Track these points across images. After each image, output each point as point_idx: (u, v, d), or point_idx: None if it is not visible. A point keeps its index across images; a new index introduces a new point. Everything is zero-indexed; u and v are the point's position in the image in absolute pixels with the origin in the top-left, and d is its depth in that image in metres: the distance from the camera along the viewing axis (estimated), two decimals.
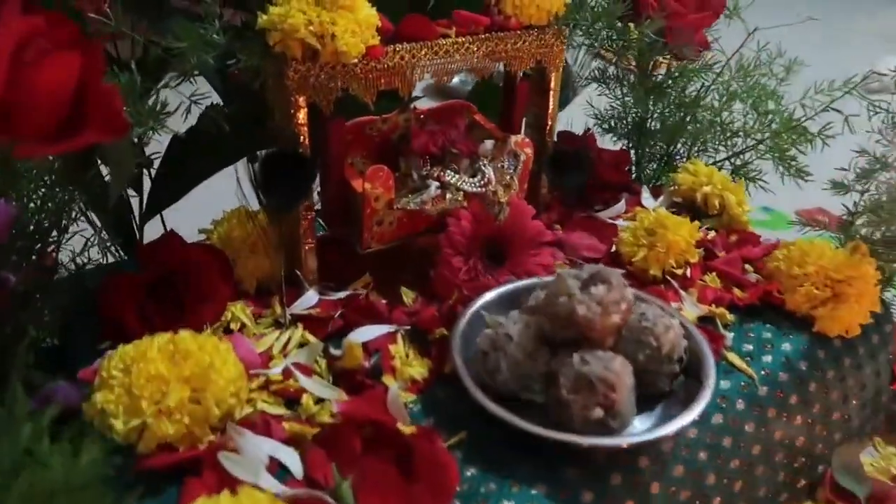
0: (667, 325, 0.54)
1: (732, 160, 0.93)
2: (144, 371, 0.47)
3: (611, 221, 0.77)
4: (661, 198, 0.83)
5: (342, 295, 0.66)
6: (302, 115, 0.59)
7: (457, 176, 0.68)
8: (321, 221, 0.72)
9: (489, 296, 0.63)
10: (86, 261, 0.71)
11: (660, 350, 0.54)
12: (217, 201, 0.69)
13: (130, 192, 0.78)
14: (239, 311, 0.61)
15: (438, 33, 0.63)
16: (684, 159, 0.92)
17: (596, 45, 0.76)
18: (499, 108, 0.85)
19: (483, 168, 0.69)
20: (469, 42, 0.65)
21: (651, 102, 0.83)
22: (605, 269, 0.53)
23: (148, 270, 0.61)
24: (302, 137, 0.59)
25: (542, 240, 0.70)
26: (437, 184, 0.68)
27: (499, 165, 0.70)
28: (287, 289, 0.64)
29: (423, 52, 0.63)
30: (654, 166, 0.96)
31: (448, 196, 0.67)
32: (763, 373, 0.60)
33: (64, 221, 0.56)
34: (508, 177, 0.69)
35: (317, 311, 0.62)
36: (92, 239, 0.72)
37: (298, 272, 0.65)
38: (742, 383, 0.59)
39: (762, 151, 0.90)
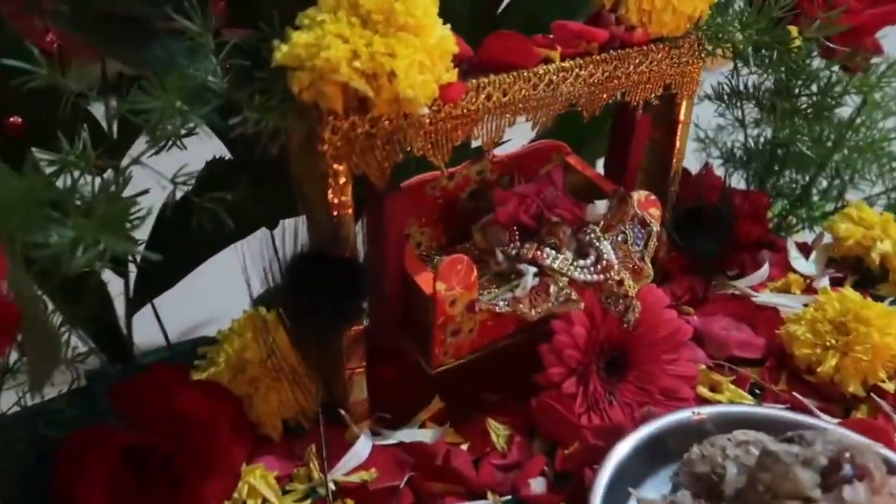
0: None
1: (889, 194, 0.72)
2: None
3: (762, 300, 0.56)
4: (813, 256, 0.63)
5: (405, 438, 0.46)
6: (345, 195, 0.39)
7: (561, 257, 0.48)
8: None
9: (625, 448, 0.42)
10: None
11: None
12: (225, 276, 0.50)
13: (111, 275, 0.58)
14: (258, 480, 0.42)
15: (539, 57, 0.43)
16: (834, 195, 0.71)
17: (741, 60, 0.55)
18: (585, 138, 0.65)
19: (595, 242, 0.49)
20: (579, 67, 0.44)
21: (800, 125, 0.62)
22: (855, 445, 0.32)
23: (126, 426, 0.41)
24: (344, 228, 0.39)
25: (681, 339, 0.50)
26: (534, 269, 0.47)
27: (617, 238, 0.49)
28: (326, 428, 0.44)
29: (516, 87, 0.42)
30: (783, 204, 0.75)
31: (552, 289, 0.47)
32: None
33: None
34: (637, 257, 0.48)
35: (372, 477, 0.42)
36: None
37: (342, 411, 0.45)
38: None
39: None
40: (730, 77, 0.66)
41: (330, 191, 0.38)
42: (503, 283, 0.48)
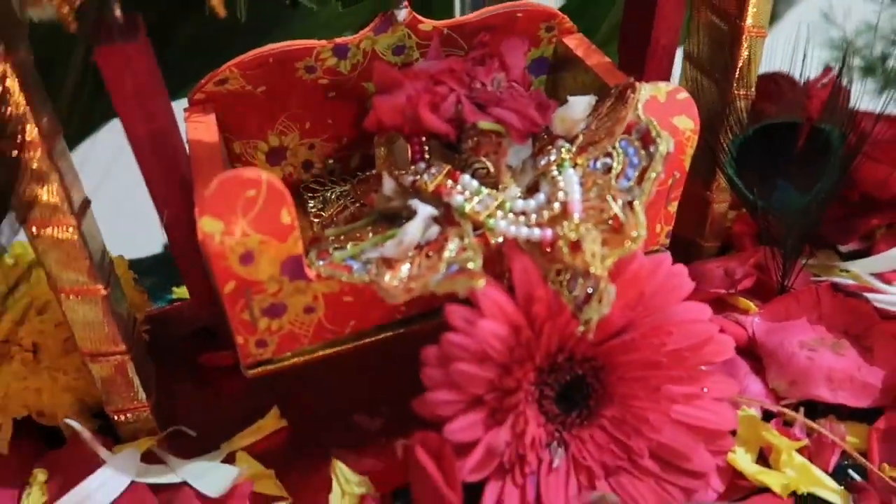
0: None
1: None
2: None
3: (889, 301, 0.31)
4: None
5: (190, 476, 0.27)
6: None
7: (484, 192, 0.26)
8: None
9: None
10: None
11: None
12: None
13: None
14: None
15: None
16: None
17: None
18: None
19: (552, 170, 0.26)
20: None
21: None
22: None
23: None
24: None
25: (713, 358, 0.27)
26: (430, 211, 0.26)
27: (593, 164, 0.27)
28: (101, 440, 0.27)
29: None
30: None
31: (448, 250, 0.25)
32: None
33: None
34: (620, 200, 0.25)
35: None
36: None
37: (72, 422, 0.27)
38: None
39: None
40: None
41: None
42: (384, 230, 0.28)
